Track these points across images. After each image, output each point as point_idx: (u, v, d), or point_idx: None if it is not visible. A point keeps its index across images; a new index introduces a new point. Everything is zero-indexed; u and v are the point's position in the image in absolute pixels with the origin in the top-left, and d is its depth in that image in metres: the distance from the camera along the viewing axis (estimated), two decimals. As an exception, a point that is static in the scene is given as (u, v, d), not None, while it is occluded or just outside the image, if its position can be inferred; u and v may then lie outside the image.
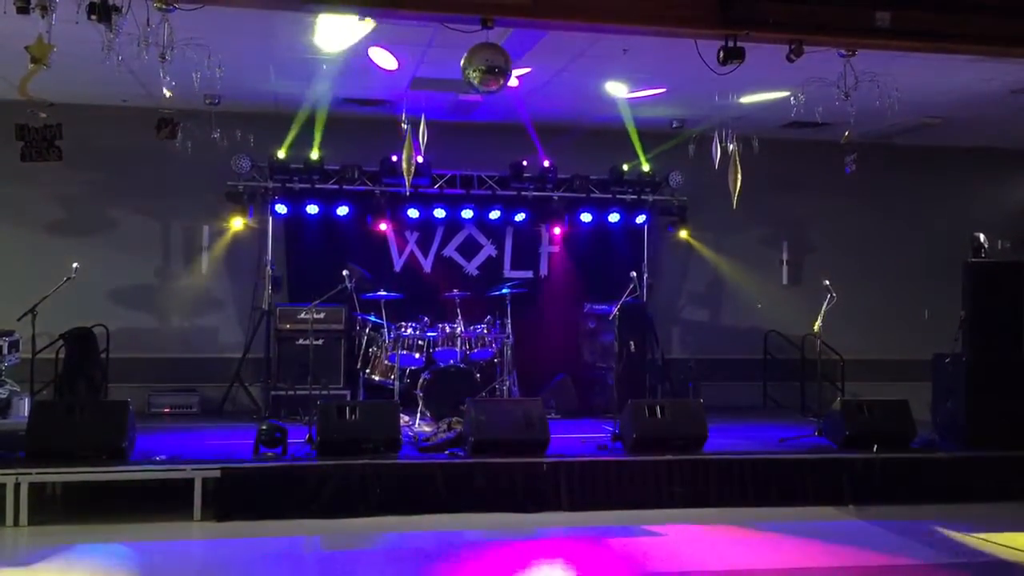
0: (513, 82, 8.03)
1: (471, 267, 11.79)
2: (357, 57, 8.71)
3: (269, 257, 11.12)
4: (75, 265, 8.87)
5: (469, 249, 11.81)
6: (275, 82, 9.70)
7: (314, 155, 10.87)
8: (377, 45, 8.39)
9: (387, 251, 11.56)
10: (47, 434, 7.42)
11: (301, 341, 10.16)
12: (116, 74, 7.30)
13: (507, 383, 10.21)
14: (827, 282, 9.25)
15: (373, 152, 10.91)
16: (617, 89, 9.80)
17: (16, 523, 6.99)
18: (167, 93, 7.08)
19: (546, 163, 11.31)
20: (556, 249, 12.02)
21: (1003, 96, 9.92)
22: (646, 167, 11.64)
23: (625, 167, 11.62)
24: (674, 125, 11.30)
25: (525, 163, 11.29)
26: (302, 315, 10.20)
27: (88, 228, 11.04)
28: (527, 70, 9.08)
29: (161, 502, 7.40)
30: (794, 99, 8.33)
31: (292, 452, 7.86)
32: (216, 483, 7.33)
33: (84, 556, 6.40)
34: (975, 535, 7.17)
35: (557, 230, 11.84)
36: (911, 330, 12.12)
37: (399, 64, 8.99)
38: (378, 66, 9.01)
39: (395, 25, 7.63)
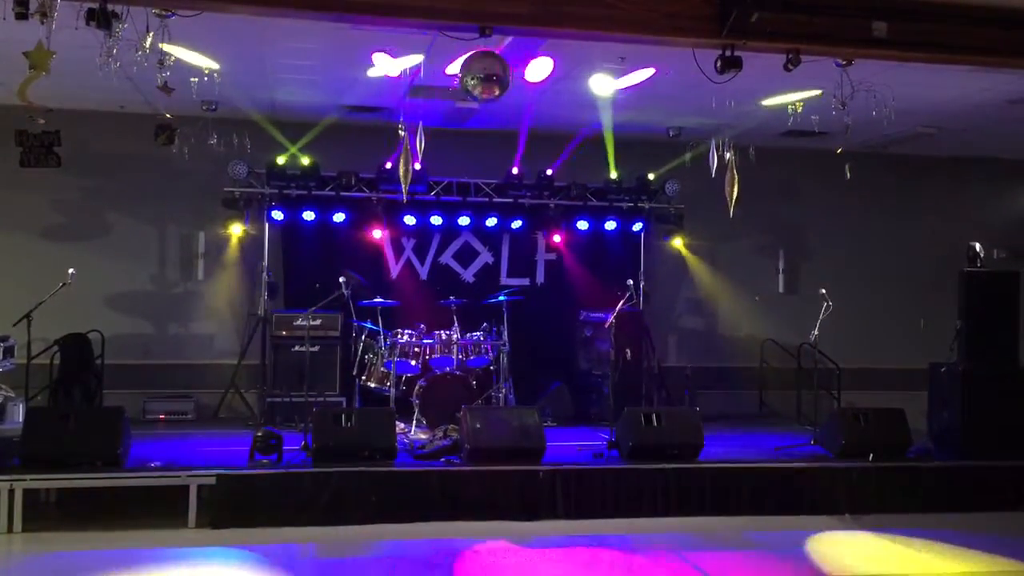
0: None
1: (468, 274, 11.79)
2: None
3: (265, 263, 11.10)
4: (71, 271, 8.85)
5: (466, 256, 11.80)
6: (272, 89, 9.71)
7: (305, 161, 10.86)
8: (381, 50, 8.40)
9: (383, 258, 11.55)
10: (42, 440, 7.40)
11: (297, 348, 10.14)
12: (114, 80, 7.30)
13: (503, 391, 10.20)
14: (823, 291, 9.27)
15: (370, 159, 10.92)
16: (605, 85, 9.66)
17: (10, 530, 6.98)
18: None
19: (549, 171, 11.32)
20: (553, 257, 12.02)
21: (999, 106, 9.95)
22: (652, 176, 11.65)
23: (614, 175, 11.60)
24: (672, 134, 11.31)
25: (518, 171, 11.28)
26: (298, 322, 10.19)
27: (84, 234, 11.03)
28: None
29: (156, 509, 7.39)
30: (791, 108, 8.35)
31: (287, 459, 7.84)
32: (211, 490, 7.32)
33: (78, 563, 6.38)
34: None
35: (554, 238, 11.84)
36: (907, 339, 12.14)
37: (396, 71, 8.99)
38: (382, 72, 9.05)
39: (392, 33, 7.64)
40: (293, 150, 10.87)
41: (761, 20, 6.96)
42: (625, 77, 9.07)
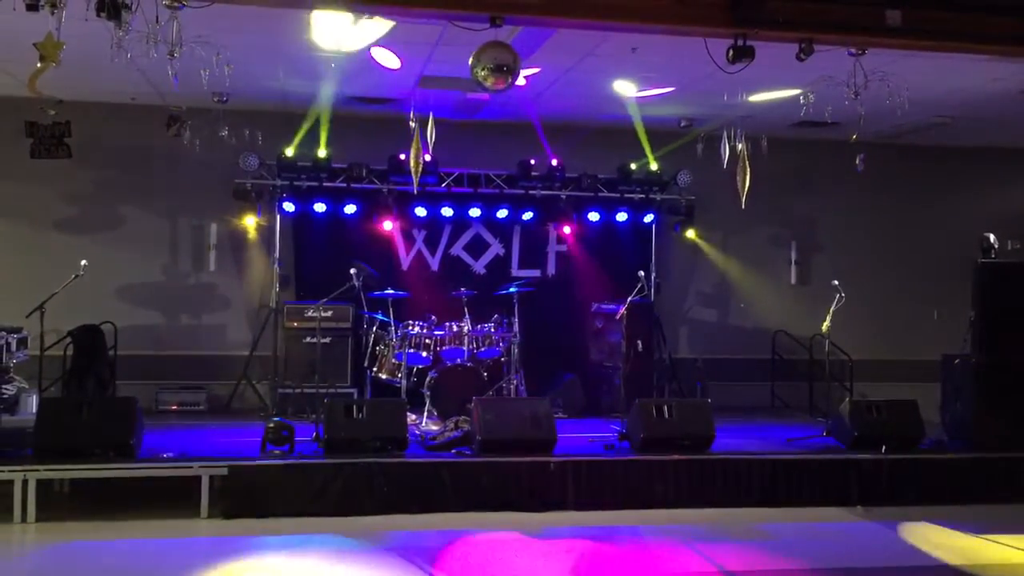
0: (520, 81, 8.05)
1: (478, 266, 11.78)
2: (363, 56, 8.71)
3: (277, 255, 11.13)
4: (83, 262, 8.89)
5: (476, 248, 11.80)
6: (283, 80, 9.70)
7: (321, 153, 10.86)
8: (380, 45, 8.40)
9: (394, 249, 11.55)
10: (55, 431, 7.44)
11: (308, 339, 10.16)
12: (125, 72, 7.30)
13: (514, 382, 10.20)
14: (836, 282, 9.22)
15: (381, 150, 10.91)
16: (626, 88, 9.78)
17: (24, 520, 7.01)
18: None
19: (554, 162, 11.29)
20: (564, 248, 12.00)
21: (1014, 96, 9.87)
22: (654, 166, 11.62)
23: (633, 166, 11.59)
24: (682, 124, 11.26)
25: (533, 162, 11.27)
26: (309, 313, 10.21)
27: (96, 225, 11.06)
28: (536, 70, 9.10)
29: (168, 499, 7.41)
30: (803, 99, 8.29)
31: (299, 450, 7.86)
32: (223, 480, 7.34)
33: (91, 553, 6.41)
34: (983, 536, 7.15)
35: (565, 229, 11.82)
36: (920, 330, 12.09)
37: (402, 63, 9.01)
38: (381, 65, 9.06)
39: (403, 23, 7.62)
40: (305, 133, 10.86)
41: (773, 9, 6.92)
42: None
